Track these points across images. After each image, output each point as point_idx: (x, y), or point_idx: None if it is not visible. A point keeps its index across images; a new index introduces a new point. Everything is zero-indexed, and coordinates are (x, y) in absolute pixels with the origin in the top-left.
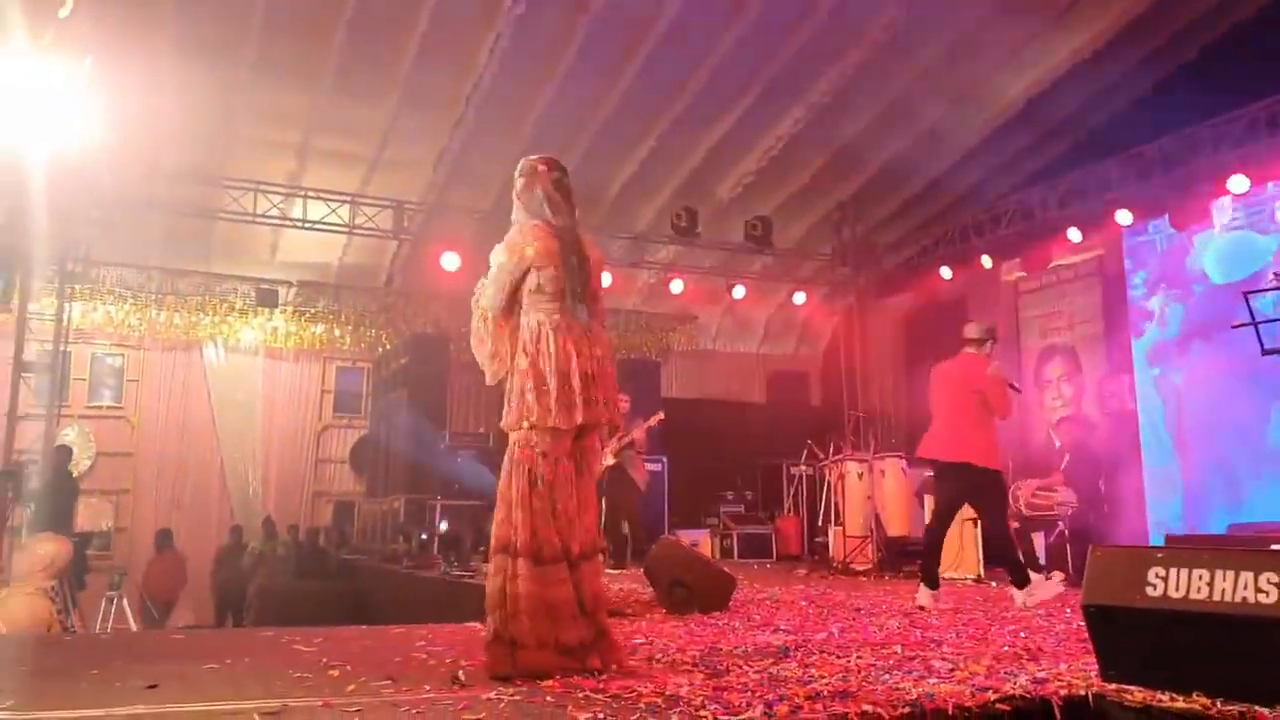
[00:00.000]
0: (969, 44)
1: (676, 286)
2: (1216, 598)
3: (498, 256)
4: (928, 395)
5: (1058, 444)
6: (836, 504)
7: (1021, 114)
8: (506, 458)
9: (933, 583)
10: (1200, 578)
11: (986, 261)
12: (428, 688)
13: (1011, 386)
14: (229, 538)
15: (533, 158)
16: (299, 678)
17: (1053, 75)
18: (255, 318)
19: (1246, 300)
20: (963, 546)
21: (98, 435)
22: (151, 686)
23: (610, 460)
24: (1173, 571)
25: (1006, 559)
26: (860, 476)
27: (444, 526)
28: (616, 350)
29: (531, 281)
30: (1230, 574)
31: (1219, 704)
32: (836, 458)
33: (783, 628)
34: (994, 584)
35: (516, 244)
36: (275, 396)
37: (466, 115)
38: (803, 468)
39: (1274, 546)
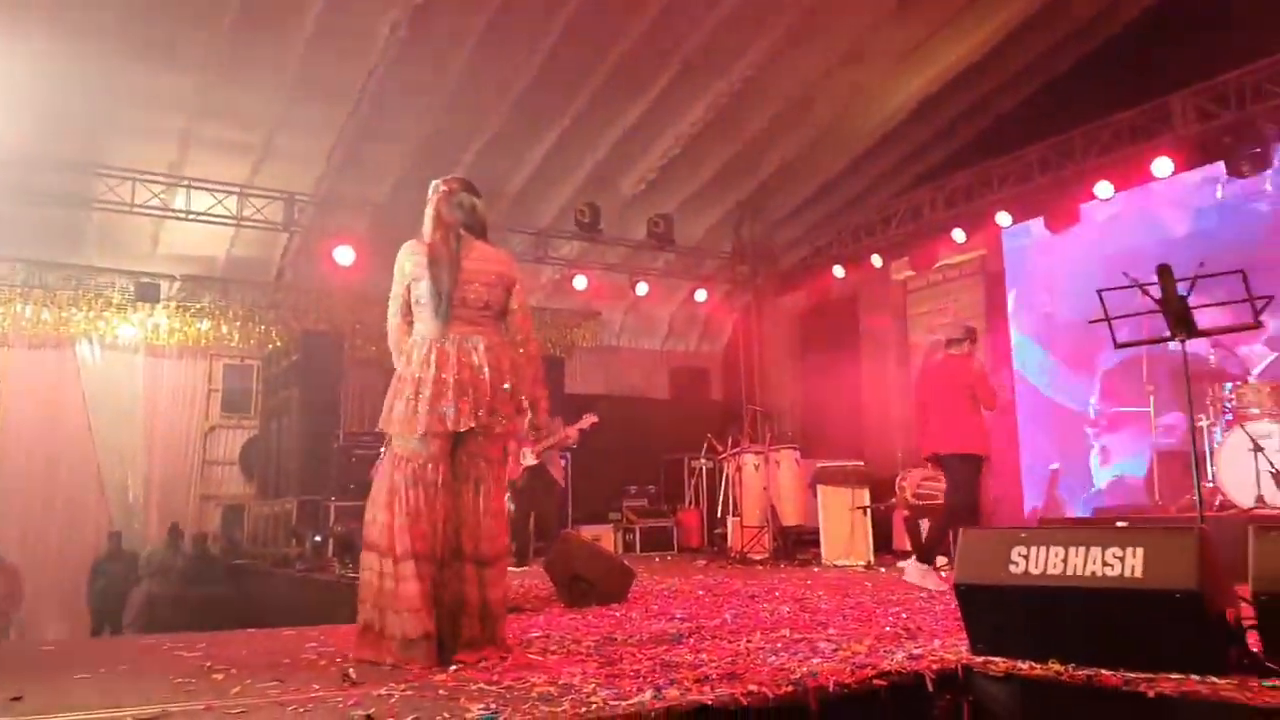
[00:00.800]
0: (862, 47)
1: (580, 282)
2: (1070, 572)
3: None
4: (917, 393)
5: None
6: (734, 496)
7: (911, 116)
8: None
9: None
10: (1056, 554)
11: (877, 261)
12: (317, 687)
13: None
14: (107, 544)
15: (440, 179)
16: (180, 683)
17: (941, 79)
18: (135, 313)
19: (1100, 297)
20: (853, 535)
21: None
22: (15, 699)
23: (532, 460)
24: (1033, 550)
25: (941, 531)
26: (756, 468)
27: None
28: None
29: (412, 295)
30: (1082, 550)
31: (1070, 668)
32: (734, 450)
33: (679, 616)
34: (883, 570)
35: (399, 260)
36: (157, 396)
37: (361, 106)
38: (703, 461)
39: (1119, 523)
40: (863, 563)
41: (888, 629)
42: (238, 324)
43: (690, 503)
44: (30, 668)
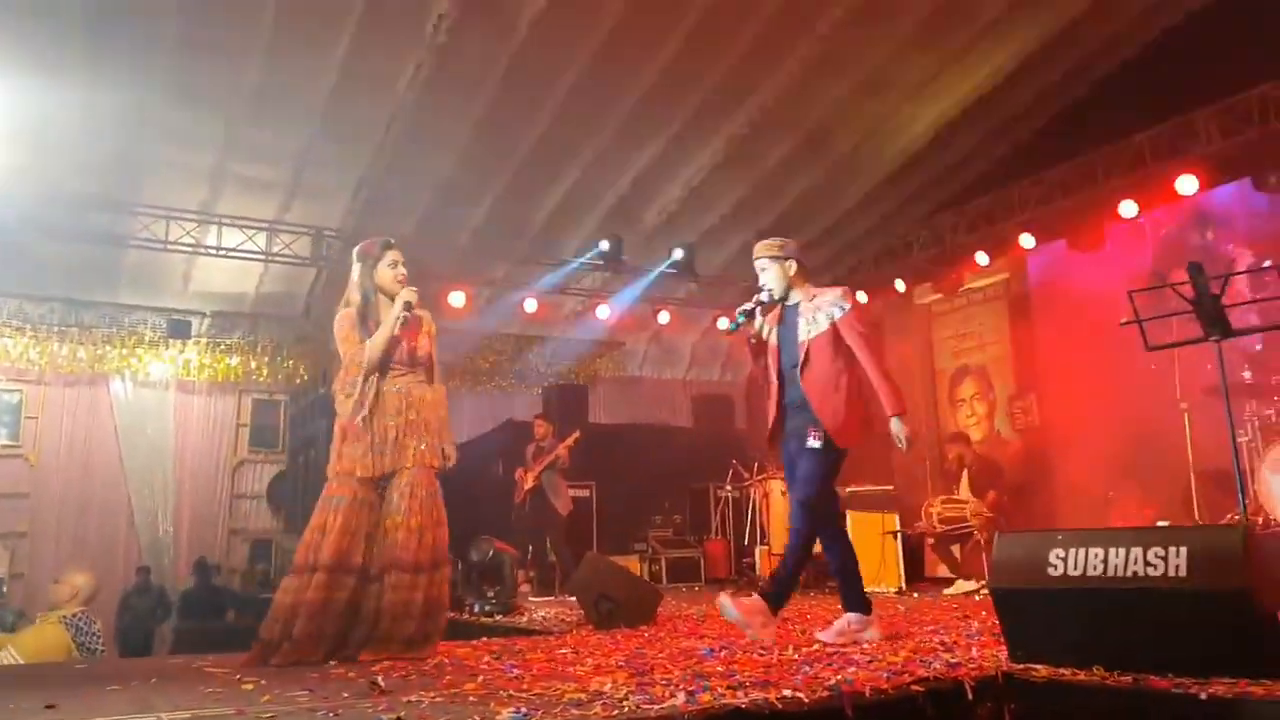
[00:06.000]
0: (880, 77)
1: (603, 313)
2: (1111, 573)
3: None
4: None
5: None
6: (762, 523)
7: (931, 143)
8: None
9: None
10: (1096, 555)
11: (900, 285)
12: (346, 695)
13: None
14: (136, 578)
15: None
16: (210, 693)
17: (959, 106)
18: (166, 350)
19: (1130, 298)
20: (884, 561)
21: None
22: (49, 706)
23: (530, 484)
24: (1072, 551)
25: None
26: (784, 494)
27: None
28: (548, 375)
29: None
30: (1122, 550)
31: (1116, 674)
32: (760, 477)
33: (707, 635)
34: (915, 595)
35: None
36: (187, 431)
37: (386, 143)
38: (729, 490)
39: (1160, 523)
40: (895, 588)
41: (923, 643)
42: (266, 359)
43: (717, 532)
44: (61, 682)
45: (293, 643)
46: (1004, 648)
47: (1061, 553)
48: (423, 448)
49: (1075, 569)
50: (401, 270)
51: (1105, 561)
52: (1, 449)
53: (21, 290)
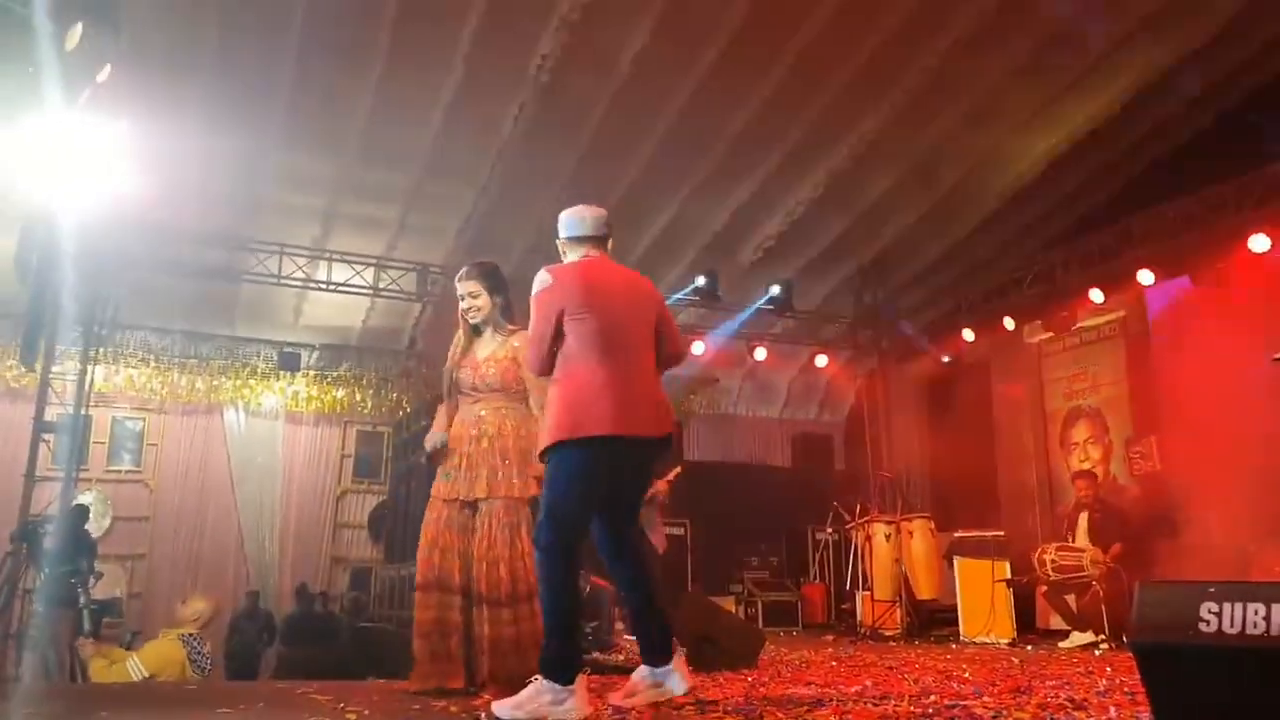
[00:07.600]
0: (987, 110)
1: (697, 348)
2: (1276, 633)
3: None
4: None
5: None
6: (864, 568)
7: (1041, 177)
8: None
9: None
10: (1256, 612)
11: (1009, 323)
12: None
13: None
14: (245, 602)
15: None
16: None
17: (1071, 139)
18: (277, 381)
19: None
20: (994, 611)
21: (115, 499)
22: None
23: None
24: (1227, 606)
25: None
26: (888, 538)
27: None
28: None
29: None
30: None
31: None
32: (863, 519)
33: (814, 682)
34: (1029, 647)
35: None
36: (294, 461)
37: (490, 182)
38: (828, 533)
39: None
40: (1006, 640)
41: (1049, 699)
42: (370, 392)
43: (815, 576)
44: (175, 702)
45: (429, 664)
46: (1142, 709)
47: (1215, 607)
48: (499, 477)
49: (1232, 626)
50: (465, 304)
51: (1268, 619)
52: (125, 474)
53: (147, 323)
